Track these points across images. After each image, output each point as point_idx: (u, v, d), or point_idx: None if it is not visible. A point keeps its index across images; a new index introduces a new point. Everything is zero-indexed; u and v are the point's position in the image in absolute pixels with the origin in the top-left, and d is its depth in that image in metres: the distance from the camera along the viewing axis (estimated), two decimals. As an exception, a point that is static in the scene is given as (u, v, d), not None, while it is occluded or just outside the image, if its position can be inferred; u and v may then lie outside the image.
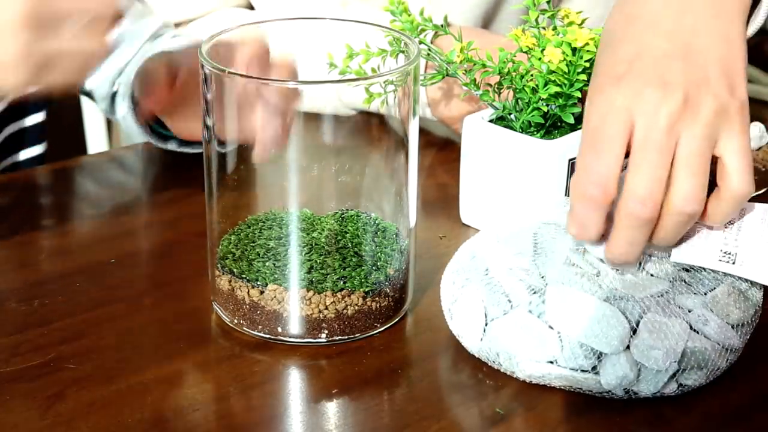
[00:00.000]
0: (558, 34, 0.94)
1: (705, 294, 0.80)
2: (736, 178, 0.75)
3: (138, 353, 0.83)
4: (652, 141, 0.74)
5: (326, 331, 0.84)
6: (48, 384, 0.80)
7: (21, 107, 1.16)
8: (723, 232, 0.80)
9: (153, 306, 0.90)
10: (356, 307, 0.84)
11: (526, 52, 0.96)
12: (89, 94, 1.24)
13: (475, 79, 0.98)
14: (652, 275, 0.80)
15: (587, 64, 0.92)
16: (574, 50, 0.92)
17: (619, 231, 0.76)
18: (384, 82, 0.87)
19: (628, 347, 0.77)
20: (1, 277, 0.93)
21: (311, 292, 0.83)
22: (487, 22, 1.26)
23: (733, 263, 0.78)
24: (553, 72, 0.92)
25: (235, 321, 0.85)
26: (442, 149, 1.12)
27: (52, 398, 0.78)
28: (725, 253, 0.79)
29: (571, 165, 0.94)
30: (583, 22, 0.96)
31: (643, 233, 0.75)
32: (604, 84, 0.76)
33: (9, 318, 0.87)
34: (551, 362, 0.79)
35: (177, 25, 1.26)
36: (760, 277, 0.78)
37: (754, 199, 1.05)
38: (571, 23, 0.96)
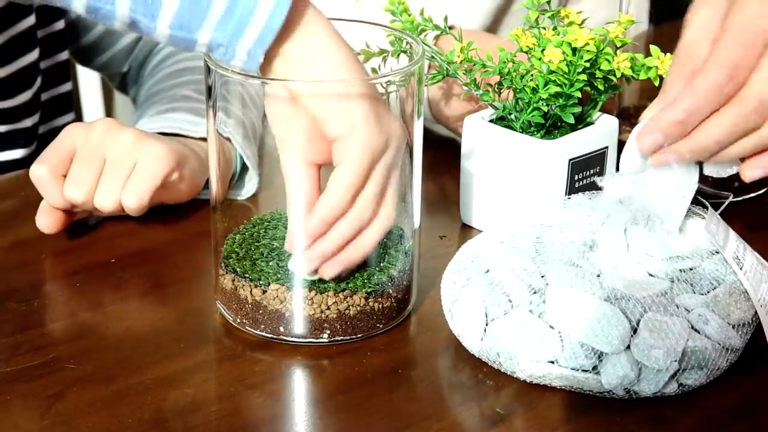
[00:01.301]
0: (558, 34, 0.94)
1: (706, 293, 0.80)
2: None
3: (138, 353, 0.83)
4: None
5: (328, 331, 0.84)
6: (48, 384, 0.79)
7: (52, 77, 1.19)
8: (736, 240, 0.82)
9: (154, 306, 0.90)
10: (358, 308, 0.84)
11: (526, 52, 0.96)
12: (102, 68, 1.27)
13: (475, 79, 0.98)
14: (651, 275, 0.80)
15: (587, 64, 0.92)
16: (574, 50, 0.92)
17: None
18: (386, 82, 0.87)
19: (628, 347, 0.77)
20: (1, 277, 0.93)
21: (313, 292, 0.83)
22: (495, 24, 1.27)
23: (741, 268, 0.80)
24: (554, 72, 0.92)
25: (238, 320, 0.85)
26: (442, 149, 1.12)
27: (52, 398, 0.78)
28: (737, 251, 0.81)
29: (572, 164, 0.94)
30: (583, 22, 0.96)
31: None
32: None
33: (9, 318, 0.87)
34: (552, 362, 0.79)
35: None
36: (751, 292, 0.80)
37: (755, 199, 1.05)
38: (571, 23, 0.96)
